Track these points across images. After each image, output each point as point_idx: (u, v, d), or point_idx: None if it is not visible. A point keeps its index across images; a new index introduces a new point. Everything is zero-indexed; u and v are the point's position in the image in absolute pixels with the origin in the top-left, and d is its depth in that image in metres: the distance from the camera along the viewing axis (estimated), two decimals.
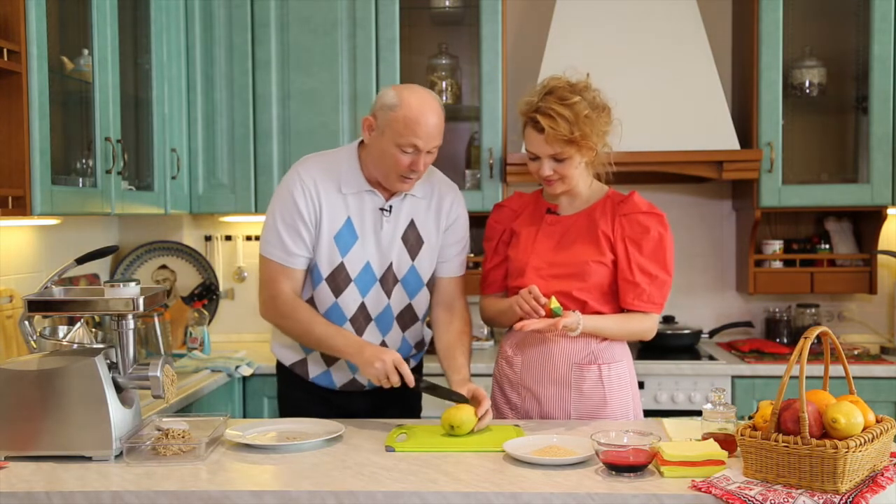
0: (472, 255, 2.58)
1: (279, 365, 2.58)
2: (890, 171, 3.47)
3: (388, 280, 2.41)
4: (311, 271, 2.39)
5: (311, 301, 2.40)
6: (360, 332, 2.41)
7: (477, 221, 2.75)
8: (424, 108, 2.25)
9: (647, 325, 2.38)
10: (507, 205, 2.54)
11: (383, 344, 2.44)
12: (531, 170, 2.38)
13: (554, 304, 2.25)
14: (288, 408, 2.55)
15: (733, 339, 3.82)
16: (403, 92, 2.27)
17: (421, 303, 2.49)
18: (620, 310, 2.39)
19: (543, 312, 2.25)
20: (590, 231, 2.38)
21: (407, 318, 2.48)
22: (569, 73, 2.34)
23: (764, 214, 3.64)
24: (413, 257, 2.43)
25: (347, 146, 2.45)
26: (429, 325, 2.56)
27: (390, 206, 2.39)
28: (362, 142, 2.39)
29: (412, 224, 2.42)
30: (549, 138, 2.27)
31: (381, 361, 2.23)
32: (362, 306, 2.40)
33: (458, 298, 2.51)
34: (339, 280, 2.37)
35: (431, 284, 2.49)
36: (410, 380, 2.24)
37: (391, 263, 2.40)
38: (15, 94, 2.47)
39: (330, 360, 2.45)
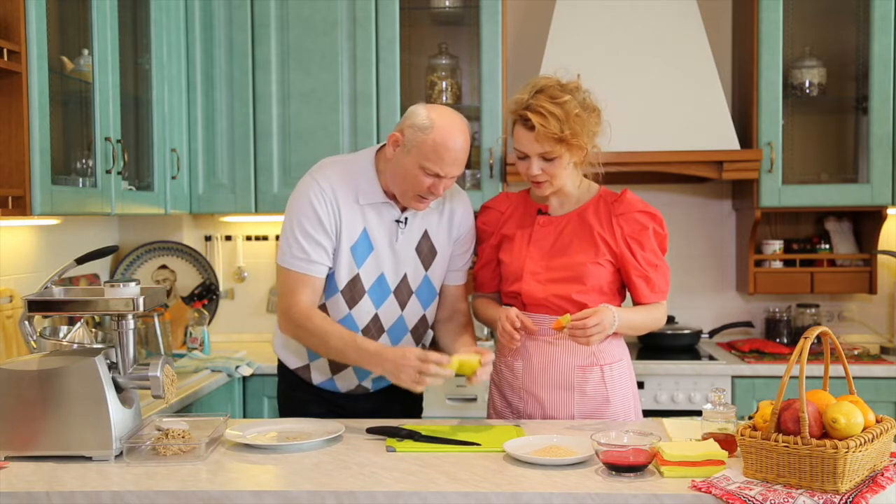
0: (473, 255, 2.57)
1: (281, 365, 2.57)
2: (890, 171, 3.47)
3: (402, 292, 2.39)
4: (327, 281, 2.34)
5: (323, 310, 2.35)
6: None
7: None
8: (455, 136, 2.23)
9: (662, 313, 2.43)
10: (493, 206, 2.52)
11: None
12: (519, 169, 2.36)
13: (566, 321, 2.22)
14: (289, 408, 2.54)
15: (733, 339, 3.82)
16: (435, 115, 2.24)
17: (433, 312, 2.48)
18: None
19: (519, 339, 2.27)
20: (584, 232, 2.37)
21: (421, 329, 2.47)
22: (560, 73, 2.33)
23: (764, 214, 3.63)
24: (426, 268, 2.41)
25: (364, 153, 2.40)
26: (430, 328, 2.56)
27: (405, 218, 2.36)
28: (379, 150, 2.36)
29: (426, 235, 2.41)
30: (539, 136, 2.26)
31: (408, 368, 2.12)
32: (375, 318, 2.38)
33: (462, 306, 2.51)
34: (354, 291, 2.34)
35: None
36: (445, 364, 2.13)
37: (405, 275, 2.39)
38: (15, 94, 2.47)
39: (335, 368, 2.43)
